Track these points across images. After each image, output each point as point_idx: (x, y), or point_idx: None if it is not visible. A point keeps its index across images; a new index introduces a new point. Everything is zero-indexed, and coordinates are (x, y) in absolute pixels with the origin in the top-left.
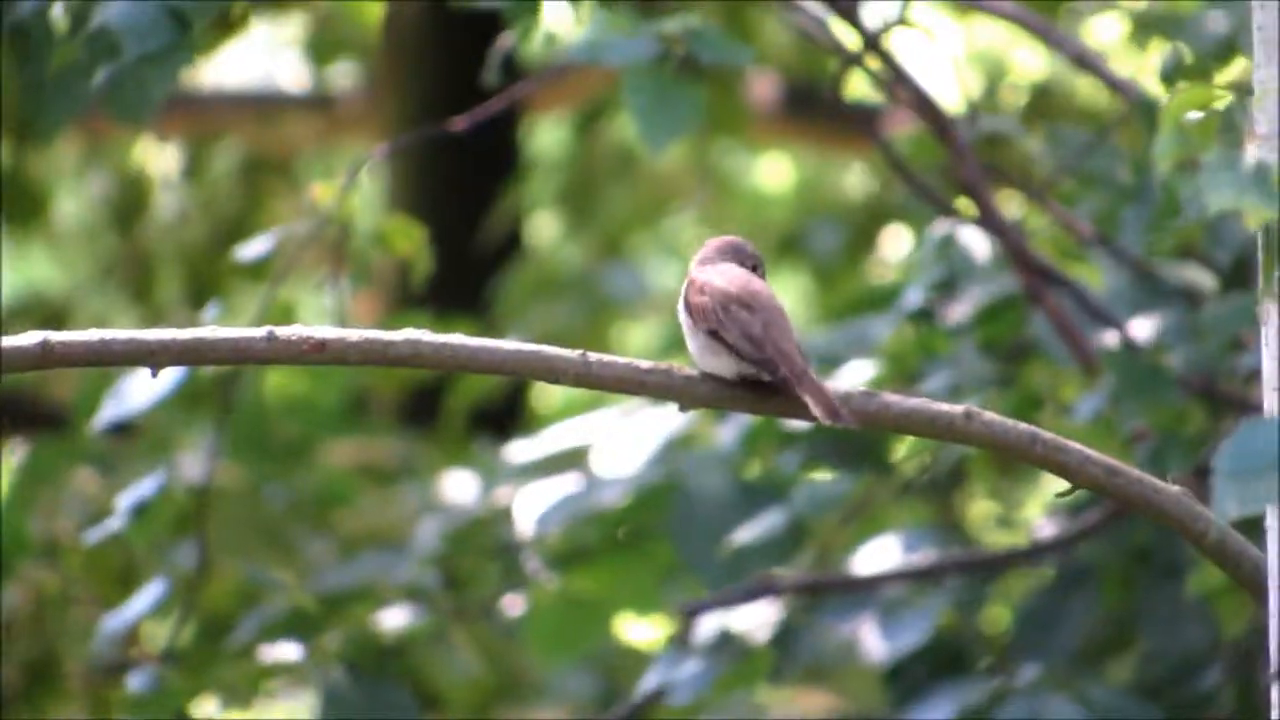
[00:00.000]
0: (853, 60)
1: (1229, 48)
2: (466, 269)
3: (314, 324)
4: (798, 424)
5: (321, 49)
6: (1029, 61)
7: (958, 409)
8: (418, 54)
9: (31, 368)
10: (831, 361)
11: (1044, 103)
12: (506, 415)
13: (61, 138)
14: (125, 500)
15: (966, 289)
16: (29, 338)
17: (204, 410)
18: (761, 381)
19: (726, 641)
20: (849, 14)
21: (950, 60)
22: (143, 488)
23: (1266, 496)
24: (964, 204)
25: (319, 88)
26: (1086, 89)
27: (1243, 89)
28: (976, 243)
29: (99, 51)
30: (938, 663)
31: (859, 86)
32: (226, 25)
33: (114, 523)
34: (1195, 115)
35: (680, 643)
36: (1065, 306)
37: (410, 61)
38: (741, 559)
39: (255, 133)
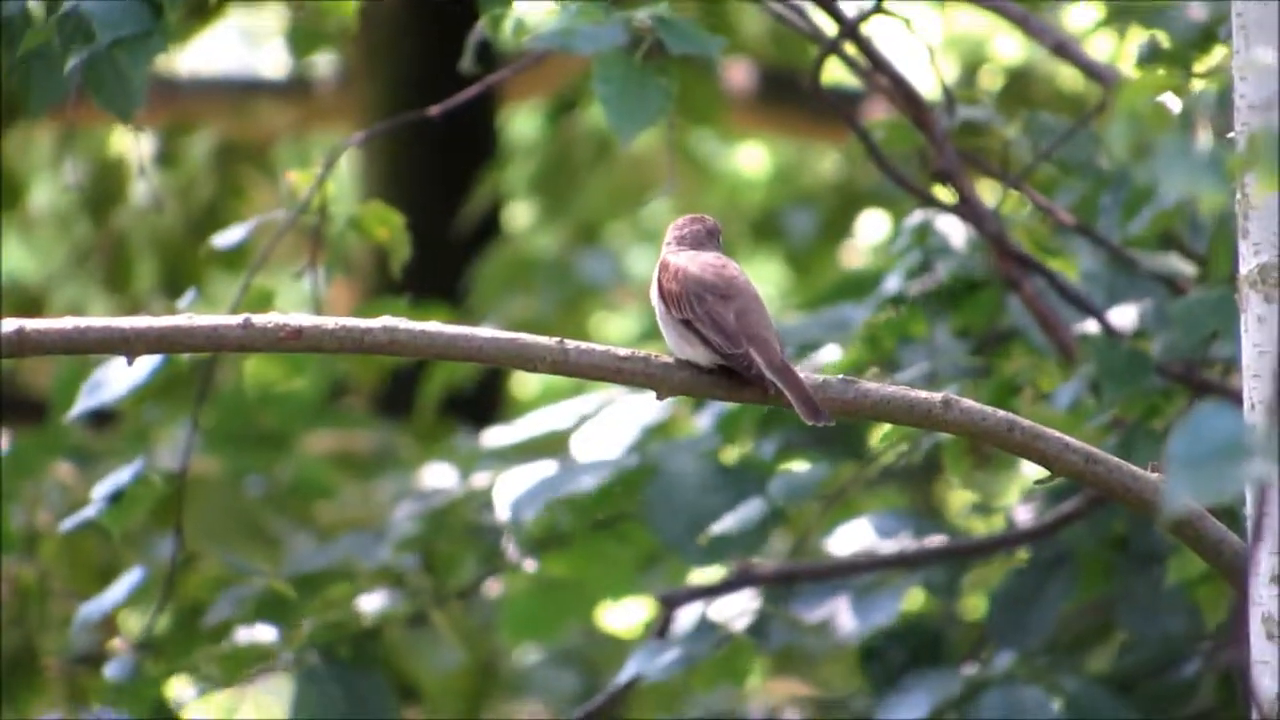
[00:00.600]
0: (831, 47)
1: (1208, 36)
2: (443, 256)
3: (291, 312)
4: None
5: (302, 39)
6: (1007, 48)
7: (936, 396)
8: (393, 41)
9: (7, 355)
10: (809, 347)
11: (1023, 89)
12: (485, 403)
13: (38, 125)
14: (102, 489)
15: (942, 268)
16: (4, 325)
17: (182, 400)
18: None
19: (706, 631)
20: (827, 1)
21: (928, 47)
22: (120, 476)
23: (1221, 486)
24: (942, 191)
25: (295, 75)
26: (1066, 75)
27: (1214, 76)
28: (954, 230)
29: (73, 38)
30: (914, 650)
31: (837, 73)
32: (202, 13)
33: (90, 511)
34: (1162, 100)
35: (659, 633)
36: (1044, 294)
37: (386, 49)
38: (719, 546)
39: (231, 120)
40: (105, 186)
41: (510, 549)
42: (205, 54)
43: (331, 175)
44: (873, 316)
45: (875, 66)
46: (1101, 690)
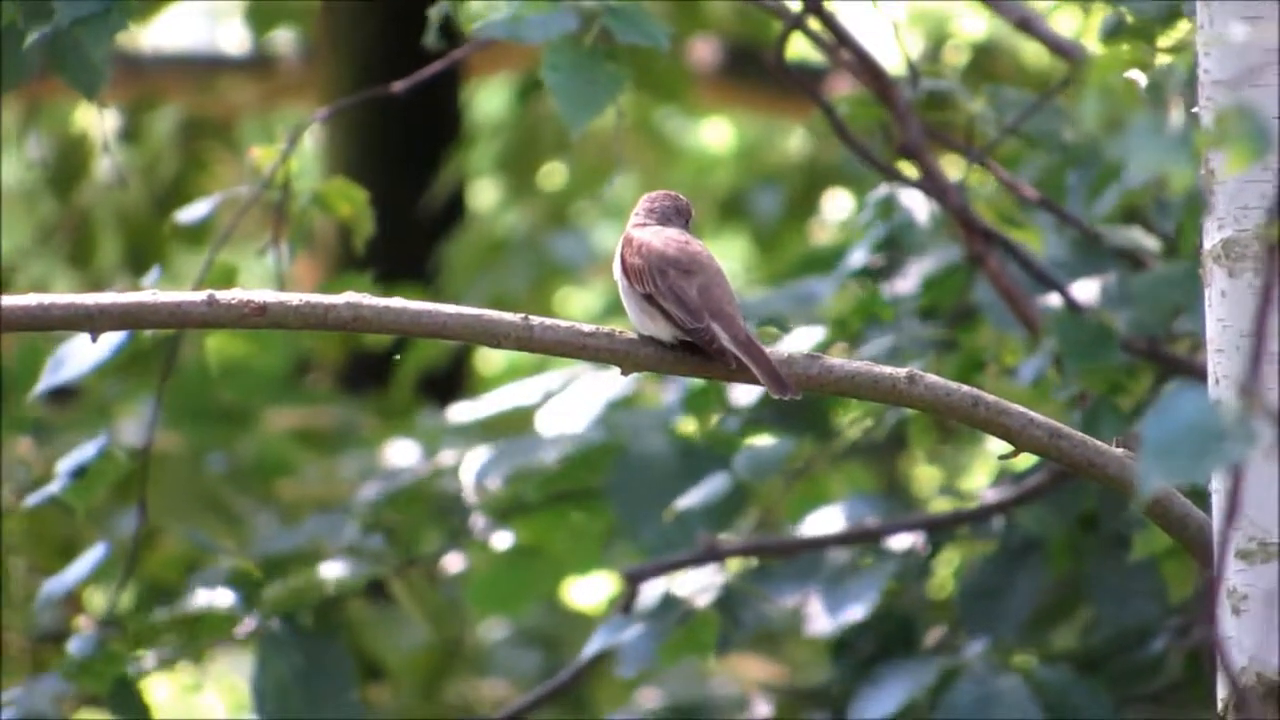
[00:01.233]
0: (795, 22)
1: (1172, 10)
2: (409, 235)
3: (255, 288)
4: (739, 386)
5: (261, 17)
6: (971, 23)
7: (900, 372)
8: (357, 18)
9: None
10: (774, 323)
11: (987, 63)
12: (450, 380)
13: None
14: (66, 465)
15: (909, 252)
16: None
17: (144, 376)
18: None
19: (670, 606)
20: None
21: (892, 22)
22: (84, 452)
23: (1195, 469)
24: (906, 166)
25: (259, 52)
26: (1031, 50)
27: (1181, 50)
28: (918, 205)
29: (34, 14)
30: (885, 635)
31: (801, 49)
32: None
33: (54, 487)
34: (1128, 75)
35: (624, 608)
36: (1008, 269)
37: (350, 25)
38: (683, 523)
39: (195, 97)
40: (69, 163)
41: (477, 523)
42: (169, 30)
43: (295, 151)
44: (838, 296)
45: (839, 41)
46: (1076, 677)
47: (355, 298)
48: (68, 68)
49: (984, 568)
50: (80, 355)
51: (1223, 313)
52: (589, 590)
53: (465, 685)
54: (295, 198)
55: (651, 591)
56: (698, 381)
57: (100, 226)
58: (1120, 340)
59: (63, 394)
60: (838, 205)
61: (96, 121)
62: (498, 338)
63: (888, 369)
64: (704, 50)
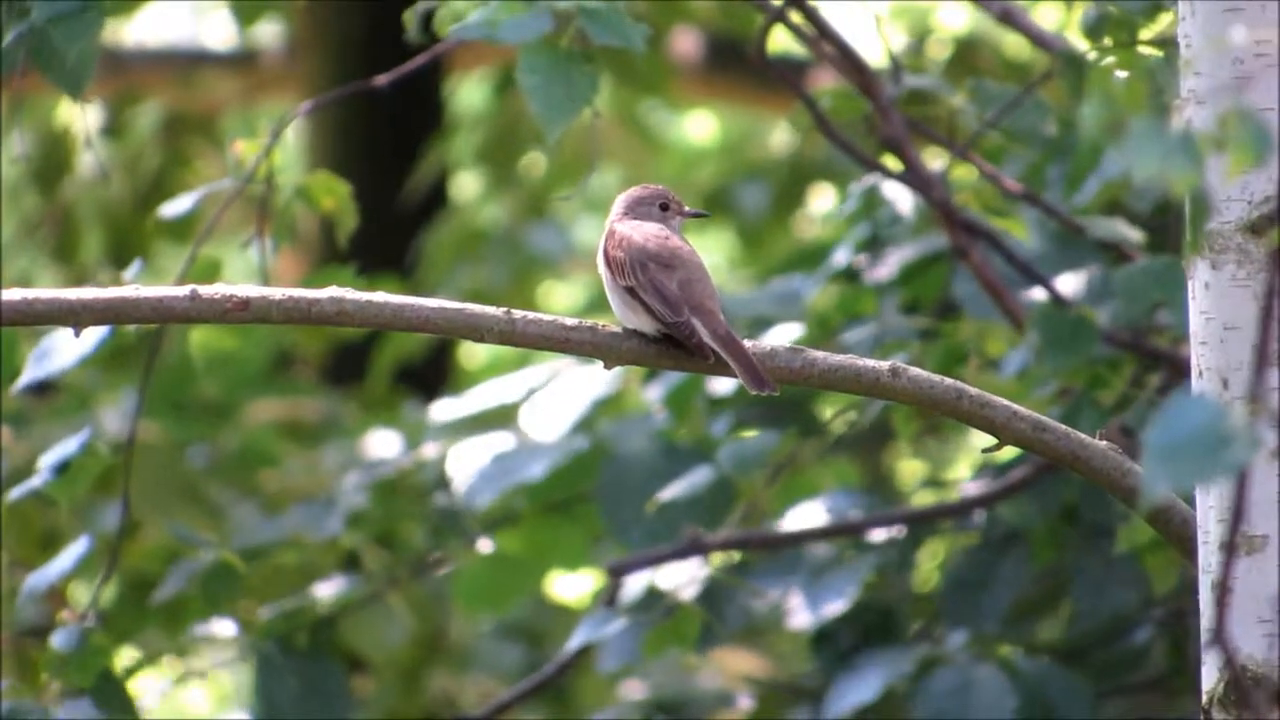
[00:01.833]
0: (776, 15)
1: (1154, 4)
2: (390, 228)
3: (239, 283)
4: (722, 382)
5: (246, 10)
6: (953, 16)
7: (884, 365)
8: (339, 12)
9: None
10: (758, 320)
11: (970, 56)
12: (433, 373)
13: None
14: (49, 458)
15: (891, 246)
16: None
17: (125, 368)
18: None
19: (654, 600)
20: None
21: (874, 16)
22: (67, 446)
23: (1197, 475)
24: (888, 160)
25: (242, 46)
26: (1013, 43)
27: (1169, 44)
28: (901, 198)
29: (13, 13)
30: (867, 626)
31: (783, 42)
32: None
33: (37, 480)
34: (1123, 75)
35: (608, 602)
36: (991, 262)
37: (332, 19)
38: (668, 518)
39: (178, 91)
40: (53, 158)
41: (465, 526)
42: (152, 25)
43: (278, 145)
44: (822, 293)
45: (821, 35)
46: (1056, 668)
47: (339, 292)
48: (51, 66)
49: (966, 559)
50: (64, 349)
51: (1206, 305)
52: (572, 583)
53: (448, 679)
54: (278, 192)
55: (635, 585)
56: (678, 378)
57: (83, 221)
58: (1103, 333)
59: (42, 385)
60: (823, 201)
61: (79, 117)
62: (480, 331)
63: (871, 362)
64: (686, 44)
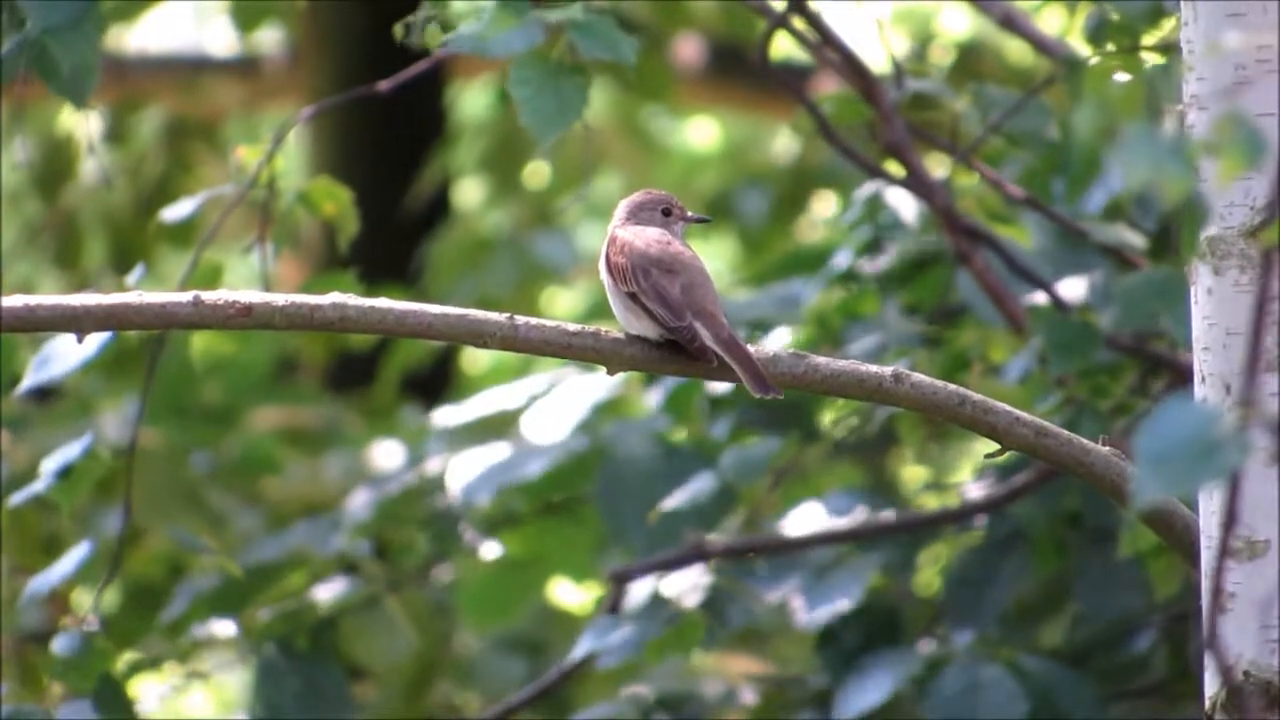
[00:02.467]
0: (779, 21)
1: (1157, 8)
2: (393, 234)
3: (241, 288)
4: (725, 386)
5: (246, 15)
6: (956, 21)
7: (886, 370)
8: (342, 18)
9: None
10: (760, 324)
11: (972, 62)
12: (435, 379)
13: None
14: (51, 463)
15: (892, 249)
16: None
17: (127, 373)
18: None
19: (657, 606)
20: None
21: (876, 21)
22: (69, 451)
23: (1187, 480)
24: (891, 165)
25: (243, 53)
26: (1015, 48)
27: (1170, 50)
28: (904, 203)
29: (13, 22)
30: (870, 629)
31: (786, 48)
32: None
33: (39, 485)
34: (1119, 79)
35: (611, 608)
36: (993, 267)
37: (335, 26)
38: (670, 524)
39: (180, 97)
40: (55, 164)
41: (466, 534)
42: (154, 31)
43: (280, 151)
44: (823, 296)
45: (824, 40)
46: (1061, 667)
47: (341, 298)
48: (52, 76)
49: (969, 559)
50: (66, 354)
51: (1208, 310)
52: (575, 590)
53: (450, 689)
54: (280, 197)
55: (639, 591)
56: (679, 382)
57: (86, 227)
58: (1105, 337)
59: (44, 390)
60: (825, 207)
61: (81, 123)
62: (483, 337)
63: (873, 368)
64: (688, 49)
